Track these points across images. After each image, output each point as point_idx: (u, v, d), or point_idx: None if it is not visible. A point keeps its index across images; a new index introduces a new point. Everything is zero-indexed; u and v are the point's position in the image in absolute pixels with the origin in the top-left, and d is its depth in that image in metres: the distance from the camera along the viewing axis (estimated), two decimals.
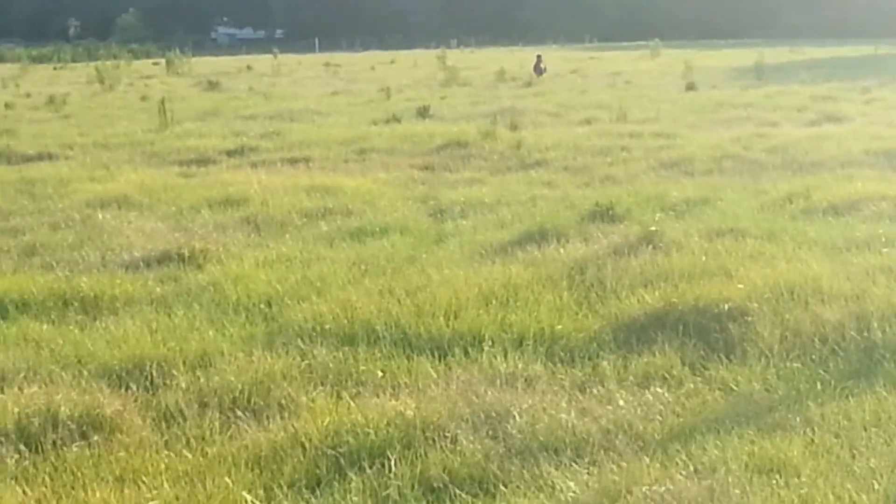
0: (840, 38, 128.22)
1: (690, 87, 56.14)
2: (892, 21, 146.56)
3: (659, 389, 11.80)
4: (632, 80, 64.18)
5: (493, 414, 11.02)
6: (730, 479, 9.33)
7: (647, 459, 9.92)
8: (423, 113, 44.74)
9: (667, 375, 12.27)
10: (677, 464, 9.77)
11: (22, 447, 10.72)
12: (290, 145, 35.32)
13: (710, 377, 12.26)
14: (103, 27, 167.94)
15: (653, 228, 18.42)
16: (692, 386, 11.99)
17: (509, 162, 30.23)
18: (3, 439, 10.84)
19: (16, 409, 11.43)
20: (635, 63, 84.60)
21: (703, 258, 16.69)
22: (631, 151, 31.54)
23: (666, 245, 17.60)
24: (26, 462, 10.48)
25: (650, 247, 17.49)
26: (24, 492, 9.74)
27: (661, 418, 11.03)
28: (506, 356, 12.92)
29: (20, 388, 12.12)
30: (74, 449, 10.74)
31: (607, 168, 28.64)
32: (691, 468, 9.68)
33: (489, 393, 11.62)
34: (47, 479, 10.12)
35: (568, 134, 36.04)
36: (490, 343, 13.33)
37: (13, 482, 9.97)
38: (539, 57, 71.02)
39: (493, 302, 14.99)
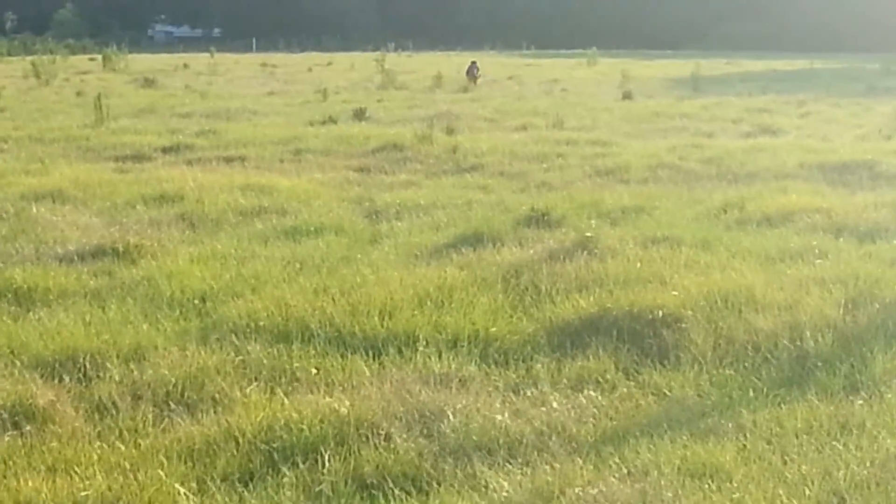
0: (776, 52, 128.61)
1: (627, 96, 56.35)
2: (828, 36, 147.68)
3: (592, 393, 11.86)
4: (568, 88, 64.31)
5: (427, 413, 11.05)
6: (662, 483, 9.39)
7: (581, 461, 9.96)
8: (359, 115, 44.78)
9: (600, 379, 12.32)
10: (610, 466, 9.81)
11: None
12: (226, 144, 35.28)
13: (644, 382, 12.32)
14: (40, 22, 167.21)
15: (588, 234, 18.50)
16: (625, 390, 12.04)
17: (445, 166, 30.27)
18: None
19: None
20: (572, 71, 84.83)
21: (638, 265, 16.76)
22: (567, 158, 31.61)
23: (601, 251, 17.67)
24: None
25: (585, 253, 17.55)
26: None
27: (594, 421, 11.08)
28: (440, 357, 12.95)
29: None
30: (6, 439, 10.73)
31: (543, 174, 28.70)
32: (624, 471, 9.73)
33: (423, 392, 11.65)
34: None
35: (504, 139, 36.10)
36: (424, 343, 13.36)
37: None
38: (473, 63, 70.41)
39: (428, 303, 15.02)
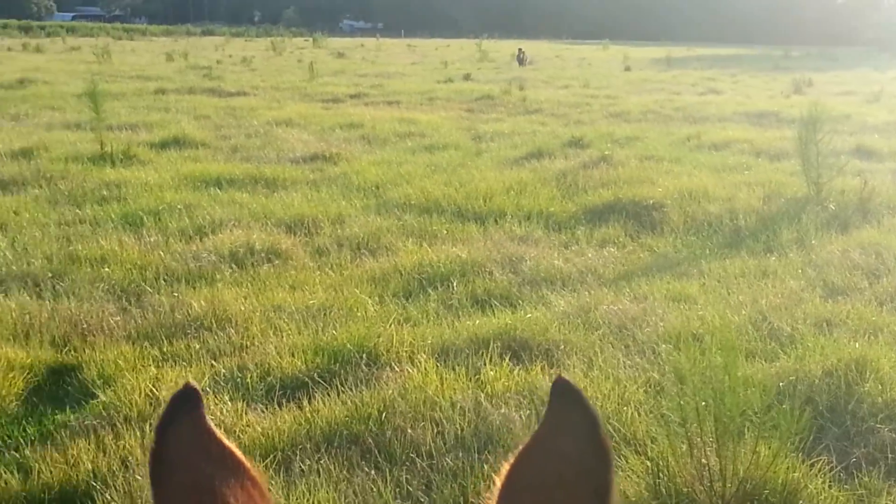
0: (718, 42, 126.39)
1: (627, 69, 55.56)
2: (751, 29, 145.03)
3: (612, 249, 11.83)
4: (592, 64, 63.55)
5: (513, 258, 11.08)
6: (655, 304, 9.39)
7: (605, 290, 9.96)
8: (466, 77, 44.49)
9: (616, 241, 12.29)
10: (624, 293, 9.81)
11: (233, 265, 10.83)
12: (387, 93, 35.20)
13: (642, 243, 12.28)
14: (274, 15, 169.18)
15: (606, 153, 18.35)
16: (631, 248, 12.02)
17: (518, 109, 30.05)
18: (222, 260, 10.95)
19: (228, 243, 11.53)
20: (593, 53, 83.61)
21: (636, 172, 16.66)
22: (591, 106, 31.29)
23: (614, 163, 17.55)
24: (236, 274, 10.59)
25: (605, 164, 17.42)
26: (236, 291, 9.84)
27: (613, 266, 11.07)
28: (519, 224, 12.98)
29: (230, 231, 12.21)
30: (264, 267, 10.85)
31: (578, 115, 28.45)
32: (632, 296, 9.72)
33: (510, 246, 11.69)
34: (249, 284, 10.23)
35: (554, 94, 35.79)
36: (510, 217, 13.37)
37: (229, 286, 10.07)
38: (520, 49, 63.58)
39: (511, 192, 15.01)
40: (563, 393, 1.34)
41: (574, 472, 1.30)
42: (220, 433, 1.37)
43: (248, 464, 1.37)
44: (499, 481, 1.33)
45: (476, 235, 12.48)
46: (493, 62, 61.72)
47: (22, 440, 6.78)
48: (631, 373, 7.58)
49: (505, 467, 1.34)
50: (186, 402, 1.37)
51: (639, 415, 6.76)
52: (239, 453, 1.37)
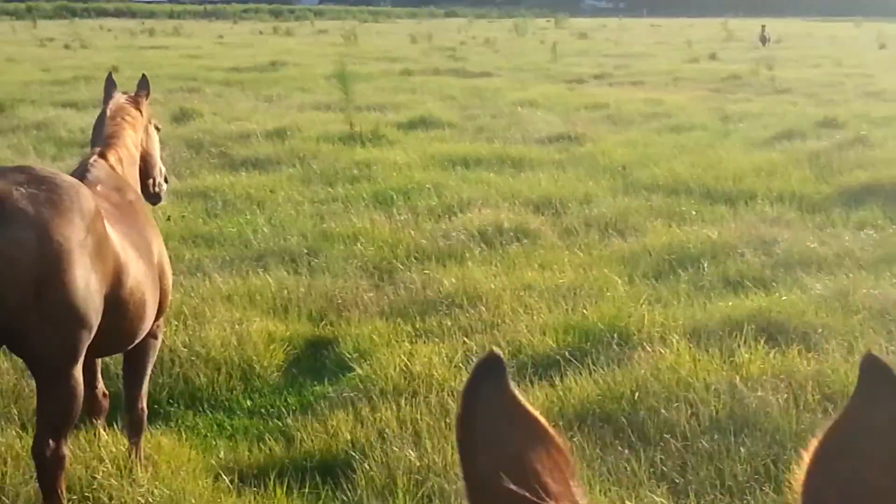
0: None
1: (882, 47, 53.19)
2: None
3: (869, 231, 11.44)
4: (843, 42, 61.33)
5: (766, 240, 10.85)
6: None
7: (864, 274, 9.67)
8: (712, 57, 43.70)
9: (874, 224, 11.86)
10: (884, 277, 9.50)
11: (482, 244, 10.94)
12: (631, 73, 34.91)
13: None
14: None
15: (863, 133, 17.78)
16: (891, 231, 11.57)
17: (767, 89, 29.31)
18: (471, 239, 11.07)
19: (476, 222, 11.65)
20: (844, 31, 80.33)
21: None
22: (844, 85, 30.33)
23: (871, 144, 17.00)
24: (485, 253, 10.69)
25: (861, 144, 16.89)
26: (486, 269, 9.94)
27: (871, 249, 10.69)
28: (771, 206, 12.71)
29: (479, 210, 12.33)
30: (513, 246, 10.92)
31: (830, 94, 27.59)
32: (893, 281, 9.41)
33: (762, 227, 11.45)
34: (498, 263, 10.32)
35: (804, 73, 34.81)
36: (760, 198, 13.10)
37: (479, 264, 10.18)
38: (763, 27, 57.59)
39: (762, 173, 14.72)
40: (873, 369, 1.32)
41: (888, 451, 1.27)
42: (524, 400, 1.39)
43: (552, 431, 1.38)
44: (808, 456, 1.32)
45: (726, 217, 12.28)
46: (741, 41, 60.36)
47: (284, 409, 7.04)
48: (894, 359, 7.33)
49: (814, 443, 1.32)
50: (490, 369, 1.40)
51: None
52: (543, 421, 1.39)
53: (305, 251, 10.62)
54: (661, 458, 5.98)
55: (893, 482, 1.26)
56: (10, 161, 14.38)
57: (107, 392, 6.33)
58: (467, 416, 1.37)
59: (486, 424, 1.37)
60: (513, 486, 1.29)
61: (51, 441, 4.98)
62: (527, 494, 1.29)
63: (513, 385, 1.39)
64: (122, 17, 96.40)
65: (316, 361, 8.04)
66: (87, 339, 4.97)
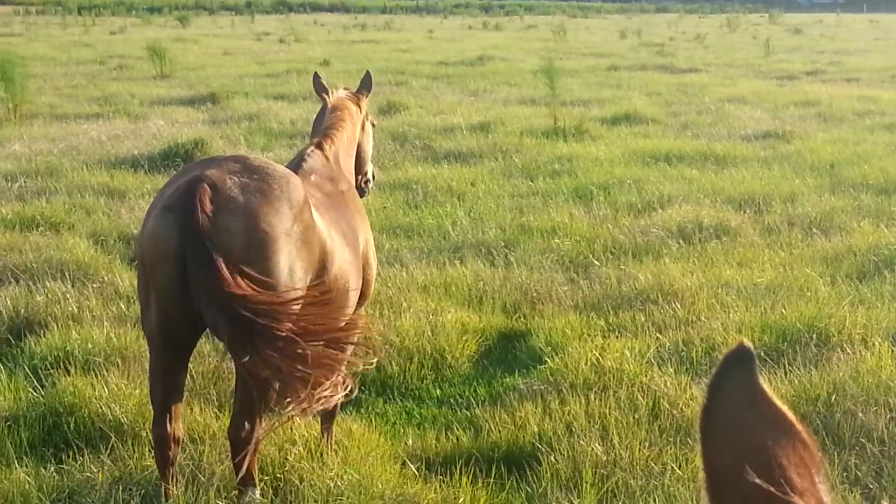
0: None
1: None
2: None
3: None
4: None
5: None
6: None
7: None
8: None
9: None
10: None
11: (680, 241, 10.80)
12: (846, 70, 33.90)
13: None
14: None
15: None
16: None
17: None
18: (669, 235, 10.94)
19: (676, 218, 11.52)
20: None
21: None
22: None
23: None
24: (682, 249, 10.56)
25: None
26: (682, 266, 9.81)
27: None
28: None
29: (679, 206, 12.18)
30: (712, 243, 10.75)
31: None
32: None
33: None
34: (695, 259, 10.18)
35: None
36: None
37: (676, 261, 10.06)
38: None
39: None
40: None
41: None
42: (772, 393, 1.38)
43: (799, 426, 1.37)
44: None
45: None
46: None
47: (473, 400, 7.10)
48: None
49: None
50: (739, 360, 1.39)
51: None
52: (791, 415, 1.37)
53: (503, 244, 10.67)
54: (855, 463, 5.82)
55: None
56: (222, 151, 14.87)
57: None
58: (712, 406, 1.38)
59: (731, 416, 1.37)
60: (758, 480, 1.28)
61: (246, 423, 5.12)
62: (772, 489, 1.28)
63: (762, 378, 1.38)
64: (336, 11, 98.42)
65: (507, 353, 8.08)
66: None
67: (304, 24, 68.39)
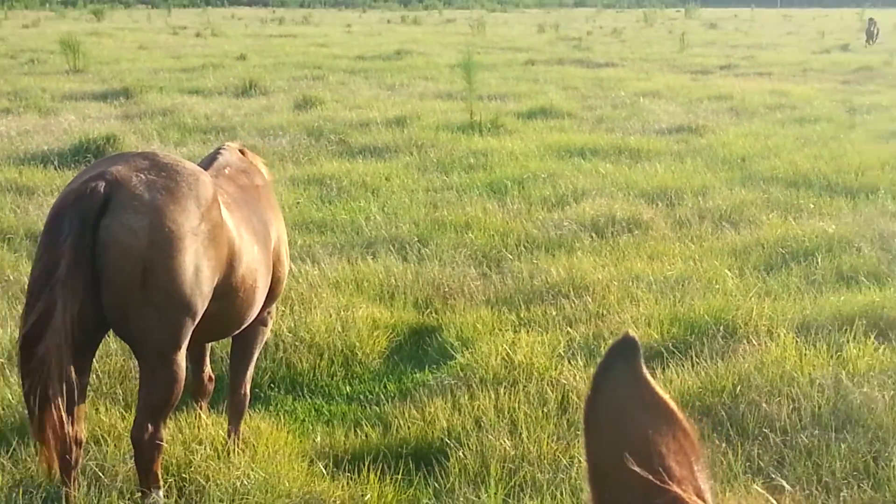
0: None
1: None
2: None
3: None
4: None
5: (885, 235, 10.58)
6: None
7: None
8: (844, 48, 42.91)
9: None
10: None
11: (593, 234, 10.87)
12: (758, 64, 34.37)
13: None
14: None
15: None
16: None
17: None
18: (582, 229, 11.01)
19: (590, 212, 11.59)
20: None
21: None
22: None
23: None
24: (595, 243, 10.62)
25: None
26: (594, 260, 9.86)
27: None
28: (893, 200, 12.41)
29: (592, 200, 12.26)
30: (624, 237, 10.84)
31: None
32: None
33: (882, 222, 11.19)
34: (607, 253, 10.24)
35: None
36: (883, 192, 12.79)
37: (588, 254, 10.10)
38: (871, 20, 48.75)
39: (887, 167, 14.37)
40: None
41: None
42: (655, 384, 1.39)
43: (680, 415, 1.38)
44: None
45: (845, 210, 12.02)
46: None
47: (382, 396, 7.09)
48: None
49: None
50: (624, 351, 1.40)
51: None
52: (673, 404, 1.38)
53: (416, 238, 10.65)
54: (758, 453, 5.89)
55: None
56: (135, 146, 14.72)
57: (213, 376, 6.44)
58: (596, 397, 1.38)
59: (614, 407, 1.37)
60: (636, 468, 1.28)
61: (149, 425, 5.06)
62: (650, 477, 1.28)
63: (645, 369, 1.38)
64: (254, 5, 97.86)
65: (418, 349, 8.08)
66: (191, 325, 5.05)
67: (222, 18, 68.00)
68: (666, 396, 1.38)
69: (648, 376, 1.38)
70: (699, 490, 1.33)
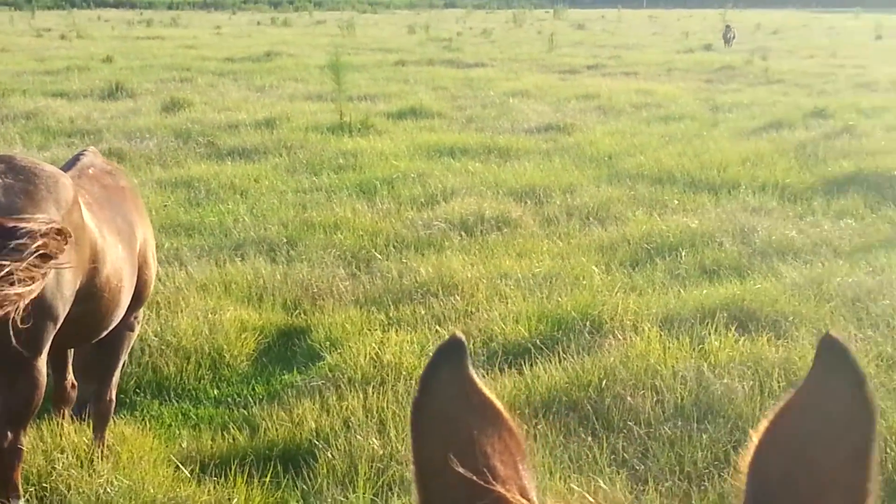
0: None
1: (878, 38, 52.95)
2: None
3: (849, 220, 11.42)
4: (840, 33, 61.32)
5: (745, 229, 10.82)
6: (893, 277, 9.02)
7: (840, 262, 9.64)
8: (707, 48, 43.75)
9: (854, 213, 11.87)
10: (860, 266, 9.48)
11: (462, 233, 10.91)
12: (625, 64, 34.88)
13: (883, 215, 11.82)
14: None
15: (850, 123, 17.77)
16: (870, 220, 11.58)
17: (760, 79, 29.27)
18: (452, 228, 11.04)
19: (459, 211, 11.62)
20: (843, 22, 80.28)
21: (882, 143, 16.08)
22: (837, 76, 30.34)
23: (858, 134, 17.00)
24: (464, 242, 10.66)
25: (848, 134, 16.89)
26: (463, 258, 9.91)
27: (849, 238, 10.69)
28: (753, 195, 12.69)
29: (462, 199, 12.30)
30: (493, 235, 10.90)
31: (822, 85, 27.58)
32: (869, 269, 9.39)
33: (742, 217, 11.43)
34: (477, 252, 10.29)
35: (798, 64, 34.89)
36: (744, 187, 13.08)
37: (457, 253, 10.15)
38: (728, 27, 48.67)
39: (747, 163, 14.69)
40: (830, 350, 1.27)
41: (835, 431, 1.24)
42: (482, 384, 1.38)
43: (506, 415, 1.37)
44: (756, 437, 1.29)
45: (708, 206, 12.25)
46: (737, 33, 60.24)
47: (250, 399, 7.03)
48: (862, 346, 7.30)
49: (764, 423, 1.30)
50: (452, 352, 1.38)
51: None
52: (499, 404, 1.37)
53: (285, 240, 10.59)
54: (623, 445, 5.97)
55: (836, 463, 1.23)
56: None
57: (75, 383, 6.30)
58: (423, 399, 1.36)
59: (441, 408, 1.35)
60: (460, 469, 1.27)
61: (9, 433, 4.94)
62: (474, 478, 1.27)
63: (472, 369, 1.37)
64: (122, 7, 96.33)
65: (287, 350, 8.02)
66: (52, 330, 4.92)
67: (88, 20, 66.77)
68: (493, 396, 1.37)
69: (476, 377, 1.37)
70: (524, 489, 1.34)
